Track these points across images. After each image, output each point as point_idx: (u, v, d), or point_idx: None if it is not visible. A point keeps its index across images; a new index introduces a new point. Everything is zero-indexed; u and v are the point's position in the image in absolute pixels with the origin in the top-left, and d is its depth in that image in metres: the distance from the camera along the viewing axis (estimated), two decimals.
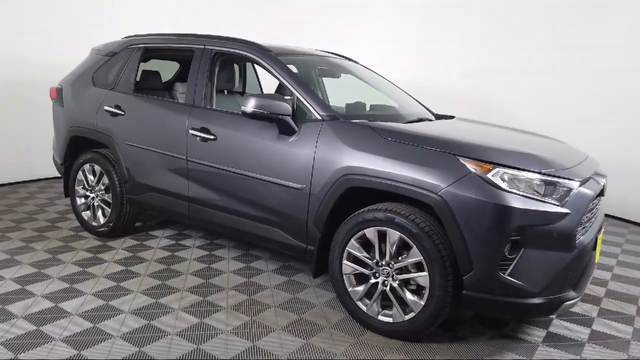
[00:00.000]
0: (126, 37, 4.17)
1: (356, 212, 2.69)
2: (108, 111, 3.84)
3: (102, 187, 4.00)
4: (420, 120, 3.33)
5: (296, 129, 2.92)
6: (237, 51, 3.36)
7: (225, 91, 4.50)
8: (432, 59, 6.30)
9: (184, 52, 3.75)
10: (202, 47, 3.52)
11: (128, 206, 3.92)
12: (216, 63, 3.50)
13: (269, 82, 5.23)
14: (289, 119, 2.91)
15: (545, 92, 5.53)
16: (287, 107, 2.89)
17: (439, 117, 3.71)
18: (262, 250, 3.94)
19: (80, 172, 4.10)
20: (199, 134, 3.30)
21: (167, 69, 4.77)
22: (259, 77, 5.14)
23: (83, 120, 4.03)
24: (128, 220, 4.02)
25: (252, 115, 2.93)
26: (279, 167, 2.95)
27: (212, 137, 3.24)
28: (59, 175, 4.76)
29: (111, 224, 3.97)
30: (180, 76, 5.01)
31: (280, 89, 4.01)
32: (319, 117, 2.90)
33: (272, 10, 7.15)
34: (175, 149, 3.44)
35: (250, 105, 2.90)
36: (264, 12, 7.17)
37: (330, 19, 6.85)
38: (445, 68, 6.19)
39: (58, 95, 4.33)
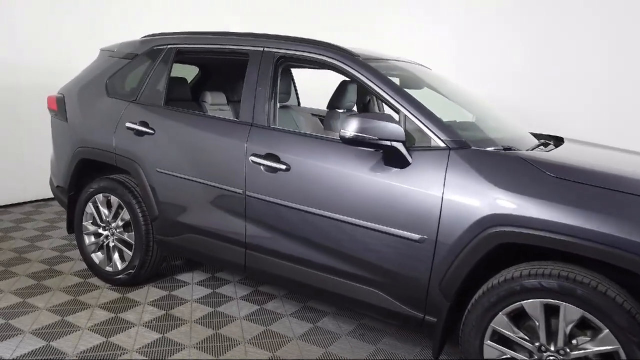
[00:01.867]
0: (148, 37, 3.37)
1: (506, 276, 1.97)
2: (131, 129, 3.03)
3: (121, 224, 3.17)
4: (542, 145, 2.65)
5: (410, 159, 2.19)
6: (312, 55, 2.60)
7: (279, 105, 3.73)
8: (470, 64, 5.67)
9: (232, 55, 2.98)
10: (261, 49, 2.75)
11: (156, 249, 3.11)
12: (279, 70, 2.74)
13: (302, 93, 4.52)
14: (402, 147, 2.18)
15: (603, 99, 4.95)
16: (399, 131, 2.17)
17: (539, 137, 3.04)
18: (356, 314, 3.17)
19: (90, 205, 3.26)
20: (264, 162, 2.53)
21: (184, 75, 3.96)
22: (295, 85, 4.40)
23: (95, 140, 3.20)
24: (154, 265, 3.20)
25: (352, 141, 2.19)
26: (385, 210, 2.21)
27: (283, 166, 2.47)
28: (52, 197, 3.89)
29: (132, 271, 3.14)
30: (204, 83, 4.20)
31: (336, 100, 3.28)
32: (443, 144, 2.18)
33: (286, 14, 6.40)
34: (228, 180, 2.66)
35: (352, 128, 2.15)
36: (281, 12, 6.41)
37: (360, 20, 6.15)
38: (484, 73, 5.56)
39: (59, 106, 3.48)
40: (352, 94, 3.45)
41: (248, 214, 2.61)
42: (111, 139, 3.10)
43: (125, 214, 3.12)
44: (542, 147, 2.61)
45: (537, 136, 3.06)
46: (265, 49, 2.74)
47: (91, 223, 3.32)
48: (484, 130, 2.66)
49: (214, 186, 2.71)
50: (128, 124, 3.05)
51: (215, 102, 3.79)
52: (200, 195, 2.78)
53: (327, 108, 3.38)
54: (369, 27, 5.76)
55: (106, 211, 3.24)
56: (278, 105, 2.74)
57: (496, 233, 1.97)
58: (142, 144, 2.99)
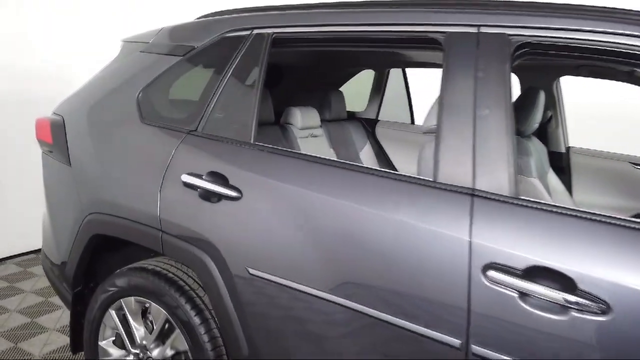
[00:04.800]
0: (209, 17, 1.95)
1: None
2: (192, 186, 1.60)
3: (170, 356, 1.75)
4: None
5: None
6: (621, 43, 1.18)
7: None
8: None
9: (387, 43, 1.57)
10: (474, 29, 1.32)
11: None
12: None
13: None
14: None
15: None
16: None
17: None
18: None
19: (112, 313, 1.84)
20: (530, 287, 1.11)
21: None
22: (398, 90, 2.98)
23: (122, 203, 1.76)
24: None
25: None
26: None
27: (602, 305, 1.05)
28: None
29: None
30: (285, 92, 2.77)
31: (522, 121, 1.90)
32: None
33: None
34: (436, 321, 1.22)
35: None
36: None
37: None
38: None
39: (56, 137, 2.05)
40: (540, 111, 2.06)
41: None
42: (153, 204, 1.67)
43: (179, 340, 1.70)
44: None
45: None
46: (484, 29, 1.32)
47: (114, 344, 1.90)
48: None
49: (392, 325, 1.27)
50: (186, 178, 1.61)
51: (307, 125, 2.38)
52: (355, 336, 1.34)
53: None
54: None
55: (142, 328, 1.81)
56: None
57: None
58: (215, 217, 1.55)
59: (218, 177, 1.56)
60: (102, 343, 1.90)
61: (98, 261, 1.99)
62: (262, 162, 1.54)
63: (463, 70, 1.29)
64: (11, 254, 3.82)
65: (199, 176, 1.59)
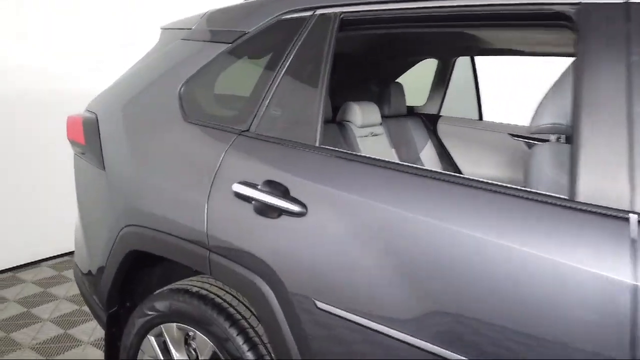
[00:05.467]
0: None
1: None
2: (246, 198, 1.34)
3: None
4: None
5: None
6: None
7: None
8: None
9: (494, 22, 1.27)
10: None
11: None
12: None
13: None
14: None
15: None
16: None
17: None
18: None
19: (152, 340, 1.61)
20: None
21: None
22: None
23: (162, 215, 1.52)
24: None
25: None
26: None
27: None
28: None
29: None
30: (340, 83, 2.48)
31: None
32: None
33: None
34: None
35: None
36: None
37: None
38: None
39: (89, 137, 1.82)
40: None
41: None
42: (199, 217, 1.42)
43: None
44: None
45: None
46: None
47: None
48: None
49: None
50: (238, 188, 1.35)
51: (367, 123, 2.09)
52: None
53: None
54: None
55: (184, 358, 1.57)
56: None
57: None
58: (274, 237, 1.28)
59: (277, 188, 1.29)
60: None
61: (135, 278, 1.77)
62: (332, 170, 1.26)
63: (609, 53, 0.97)
64: (45, 256, 3.68)
65: (254, 186, 1.32)
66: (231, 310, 1.44)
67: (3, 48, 3.22)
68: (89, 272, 1.89)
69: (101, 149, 1.75)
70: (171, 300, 1.53)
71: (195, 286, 1.54)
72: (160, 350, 1.61)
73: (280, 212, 1.26)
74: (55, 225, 3.56)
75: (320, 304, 1.20)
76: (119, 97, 1.80)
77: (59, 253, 3.76)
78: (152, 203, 1.56)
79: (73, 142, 1.92)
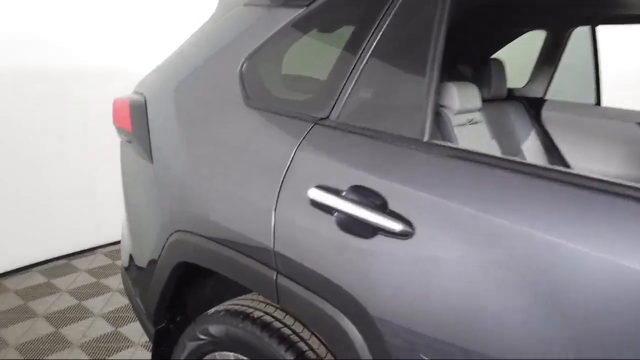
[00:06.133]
0: None
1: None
2: (325, 208, 1.02)
3: None
4: None
5: None
6: None
7: None
8: None
9: None
10: None
11: None
12: None
13: None
14: None
15: None
16: None
17: None
18: None
19: None
20: None
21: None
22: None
23: (219, 222, 1.23)
24: None
25: None
26: None
27: None
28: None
29: None
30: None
31: None
32: None
33: None
34: None
35: None
36: None
37: None
38: None
39: (136, 122, 1.56)
40: None
41: None
42: (264, 229, 1.11)
43: None
44: None
45: None
46: None
47: None
48: None
49: None
50: (315, 194, 1.03)
51: (465, 108, 1.71)
52: None
53: None
54: None
55: None
56: None
57: None
58: (367, 263, 0.95)
59: (369, 197, 0.96)
60: None
61: (188, 288, 1.51)
62: (448, 175, 0.91)
63: None
64: (100, 244, 3.57)
65: (336, 192, 1.00)
66: (302, 346, 1.14)
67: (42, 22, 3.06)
68: (135, 277, 1.65)
69: (149, 138, 1.48)
70: (228, 326, 1.25)
71: (257, 309, 1.25)
72: None
73: (374, 230, 0.94)
74: (111, 211, 3.42)
75: None
76: (170, 77, 1.52)
77: (115, 240, 3.64)
78: (206, 206, 1.27)
79: (119, 129, 1.67)
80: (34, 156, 3.15)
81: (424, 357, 0.87)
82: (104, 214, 3.48)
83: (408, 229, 0.90)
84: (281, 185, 1.10)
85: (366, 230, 0.95)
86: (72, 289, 2.93)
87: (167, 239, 1.38)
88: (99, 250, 3.53)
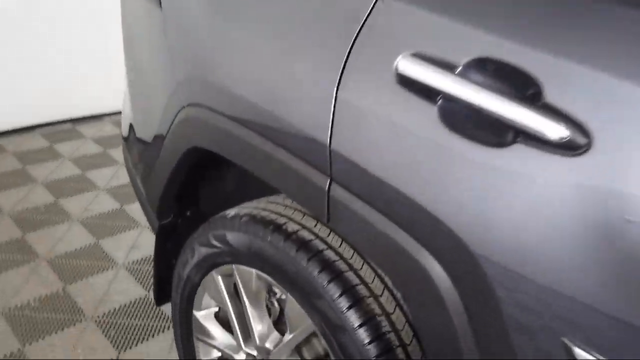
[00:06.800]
0: None
1: None
2: (424, 90, 0.63)
3: None
4: None
5: None
6: None
7: None
8: None
9: None
10: None
11: None
12: None
13: None
14: None
15: None
16: None
17: None
18: None
19: (218, 278, 1.07)
20: None
21: None
22: None
23: (249, 98, 0.86)
24: None
25: None
26: None
27: None
28: None
29: None
30: None
31: None
32: None
33: None
34: None
35: None
36: None
37: None
38: None
39: None
40: None
41: None
42: (319, 116, 0.75)
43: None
44: None
45: None
46: None
47: (216, 319, 1.16)
48: None
49: None
50: (406, 66, 0.64)
51: None
52: None
53: None
54: None
55: (262, 317, 1.03)
56: None
57: None
58: (497, 187, 0.60)
59: (509, 78, 0.57)
60: (198, 314, 1.16)
61: (200, 177, 1.19)
62: None
63: None
64: (109, 111, 3.25)
65: (447, 66, 0.61)
66: (353, 278, 0.84)
67: None
68: (137, 154, 1.34)
69: None
70: (251, 236, 0.94)
71: (292, 220, 0.93)
72: (229, 297, 1.07)
73: (514, 134, 0.56)
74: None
75: (577, 351, 0.55)
76: None
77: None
78: (234, 74, 0.89)
79: None
80: (50, 12, 2.75)
81: (566, 341, 0.55)
82: (116, 78, 3.13)
83: (580, 138, 0.52)
84: (350, 50, 0.71)
85: (496, 132, 0.58)
86: (76, 157, 2.67)
87: (177, 114, 1.02)
88: (107, 118, 3.22)
